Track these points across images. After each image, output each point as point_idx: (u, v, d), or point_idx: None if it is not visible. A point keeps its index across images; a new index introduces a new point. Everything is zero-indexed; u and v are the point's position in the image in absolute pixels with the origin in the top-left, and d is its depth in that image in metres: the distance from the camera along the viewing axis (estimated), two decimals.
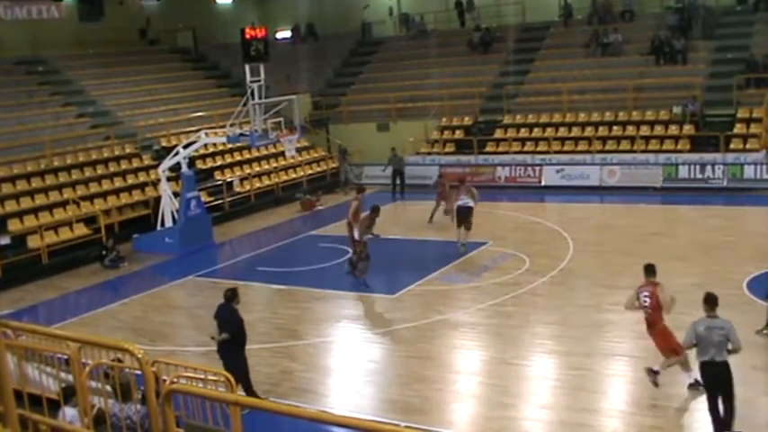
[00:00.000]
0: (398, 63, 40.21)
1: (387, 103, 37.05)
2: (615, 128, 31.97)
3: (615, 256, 20.92)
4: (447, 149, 34.42)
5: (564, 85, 33.67)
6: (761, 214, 25.18)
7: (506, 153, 32.69)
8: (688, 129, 30.39)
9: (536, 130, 33.39)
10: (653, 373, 12.63)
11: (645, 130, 31.24)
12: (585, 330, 15.78)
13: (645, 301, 12.68)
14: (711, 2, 35.25)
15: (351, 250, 20.47)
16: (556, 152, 31.78)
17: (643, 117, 31.84)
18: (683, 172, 28.84)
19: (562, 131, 32.82)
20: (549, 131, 32.98)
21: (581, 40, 36.40)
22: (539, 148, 32.39)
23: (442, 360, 15.10)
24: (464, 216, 22.05)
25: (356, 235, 19.61)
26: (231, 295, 13.27)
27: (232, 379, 9.36)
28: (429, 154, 34.33)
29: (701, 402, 12.45)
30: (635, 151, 30.53)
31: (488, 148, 33.46)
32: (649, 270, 12.96)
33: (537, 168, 31.28)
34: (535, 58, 37.02)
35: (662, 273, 18.72)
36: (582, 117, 32.93)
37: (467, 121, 35.45)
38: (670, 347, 12.56)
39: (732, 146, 29.12)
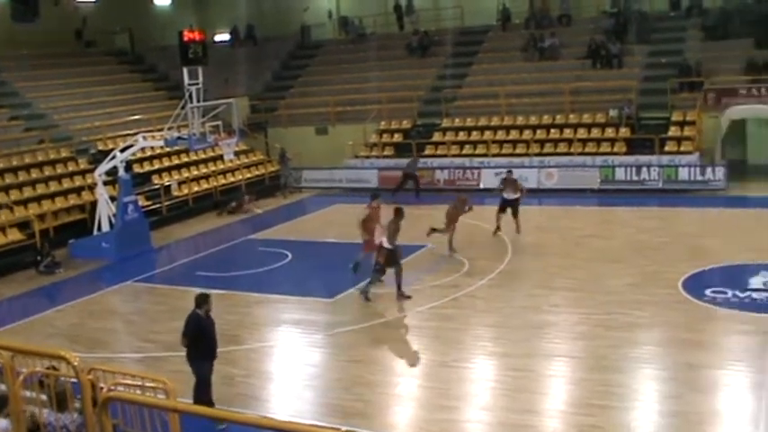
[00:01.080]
0: (337, 66, 40.11)
1: (326, 107, 36.98)
2: (553, 131, 32.37)
3: (553, 257, 21.16)
4: (386, 153, 34.46)
5: (502, 89, 33.93)
6: (695, 215, 25.69)
7: (445, 156, 32.90)
8: (624, 131, 30.94)
9: (474, 133, 33.61)
10: None
11: (582, 133, 31.68)
12: (525, 332, 15.90)
13: None
14: (646, 7, 35.90)
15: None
16: (494, 155, 32.03)
17: (580, 120, 32.28)
18: (619, 174, 29.29)
19: (500, 134, 33.10)
20: (488, 134, 33.21)
21: (519, 43, 36.79)
22: (477, 151, 32.64)
23: (382, 363, 15.09)
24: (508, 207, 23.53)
25: (385, 242, 18.24)
26: (199, 301, 12.89)
27: (171, 386, 9.18)
28: (368, 157, 34.35)
29: (639, 401, 12.69)
30: (572, 154, 30.94)
31: (427, 152, 33.58)
32: None
33: (475, 171, 31.45)
34: (473, 62, 37.30)
35: (598, 274, 19.22)
36: (520, 120, 33.27)
37: (405, 124, 35.56)
38: None
39: (667, 148, 29.72)
